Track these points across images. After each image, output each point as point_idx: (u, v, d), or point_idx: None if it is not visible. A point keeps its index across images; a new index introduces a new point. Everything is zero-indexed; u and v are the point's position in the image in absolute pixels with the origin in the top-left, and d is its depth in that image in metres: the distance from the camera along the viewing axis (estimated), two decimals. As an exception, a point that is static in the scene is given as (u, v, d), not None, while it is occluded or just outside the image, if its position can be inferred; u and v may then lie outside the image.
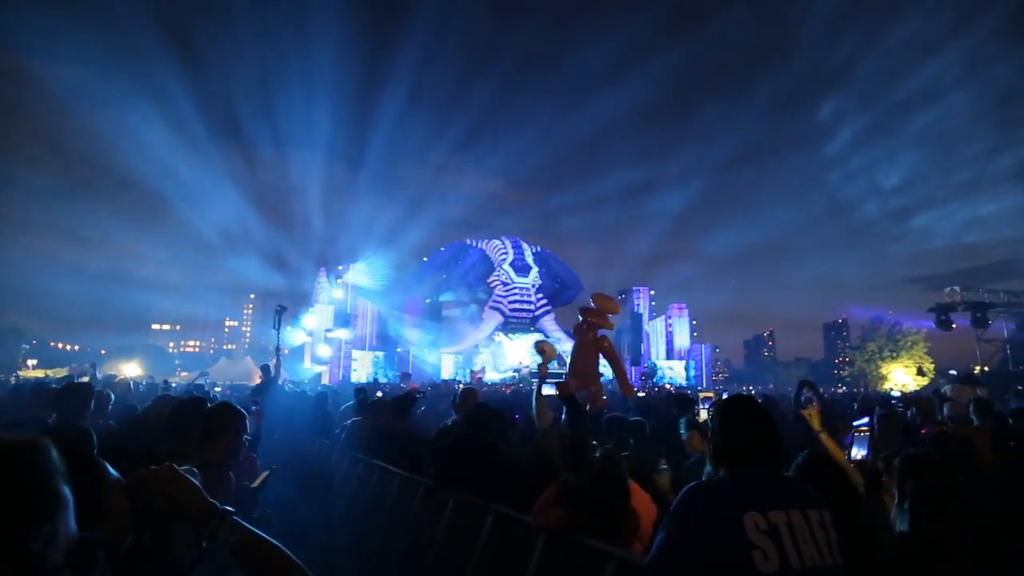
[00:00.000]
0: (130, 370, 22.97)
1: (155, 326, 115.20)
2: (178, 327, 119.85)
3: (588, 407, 6.17)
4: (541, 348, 5.89)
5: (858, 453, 2.49)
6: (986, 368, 27.75)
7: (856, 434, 2.55)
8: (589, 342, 6.56)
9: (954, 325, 27.01)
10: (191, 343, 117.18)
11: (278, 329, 10.04)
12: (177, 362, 62.48)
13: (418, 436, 5.00)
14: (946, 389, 8.44)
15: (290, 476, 5.43)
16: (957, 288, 27.45)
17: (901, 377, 38.41)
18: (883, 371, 41.56)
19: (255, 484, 2.45)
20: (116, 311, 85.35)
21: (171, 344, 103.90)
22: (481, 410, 3.88)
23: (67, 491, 0.90)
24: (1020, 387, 20.53)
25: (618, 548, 2.38)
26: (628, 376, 5.51)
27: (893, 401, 11.36)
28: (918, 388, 29.66)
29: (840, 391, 29.13)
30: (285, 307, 10.91)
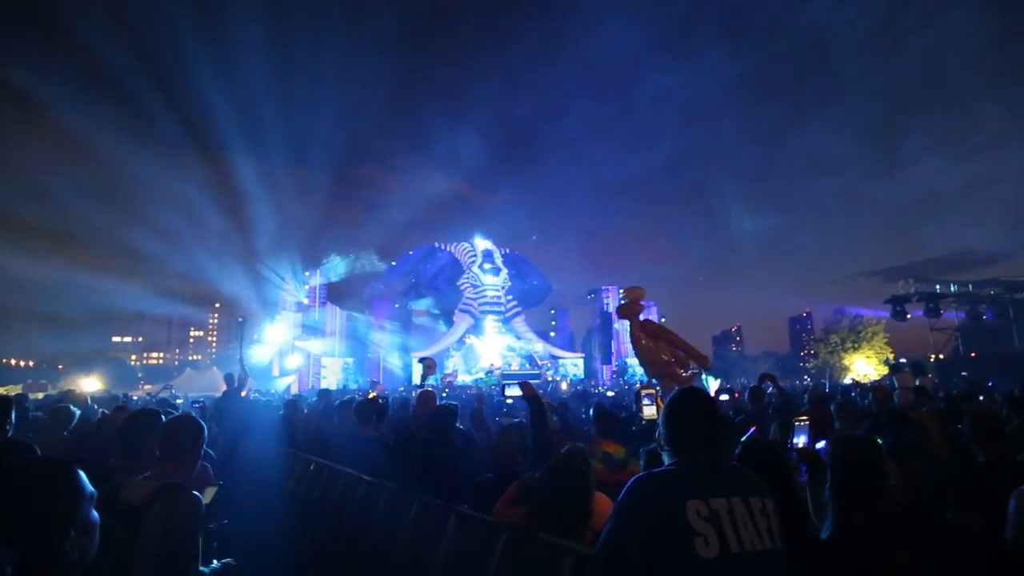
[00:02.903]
0: (90, 385, 22.21)
1: (116, 338, 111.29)
2: (140, 339, 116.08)
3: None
4: (425, 363, 6.89)
5: (799, 440, 2.61)
6: (941, 356, 28.88)
7: (797, 423, 2.67)
8: (640, 335, 6.52)
9: (908, 316, 27.95)
10: (154, 355, 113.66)
11: (241, 341, 9.97)
12: (140, 375, 60.54)
13: (382, 441, 4.97)
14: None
15: (252, 487, 5.33)
16: (911, 280, 28.48)
17: (863, 367, 39.66)
18: (846, 362, 42.85)
19: (207, 500, 2.43)
20: (73, 324, 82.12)
21: (133, 357, 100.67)
22: (442, 412, 3.89)
23: None
24: (964, 373, 21.47)
25: (575, 543, 2.42)
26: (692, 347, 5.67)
27: (853, 394, 11.79)
28: (878, 377, 30.68)
29: (806, 382, 29.89)
30: (245, 319, 10.85)
